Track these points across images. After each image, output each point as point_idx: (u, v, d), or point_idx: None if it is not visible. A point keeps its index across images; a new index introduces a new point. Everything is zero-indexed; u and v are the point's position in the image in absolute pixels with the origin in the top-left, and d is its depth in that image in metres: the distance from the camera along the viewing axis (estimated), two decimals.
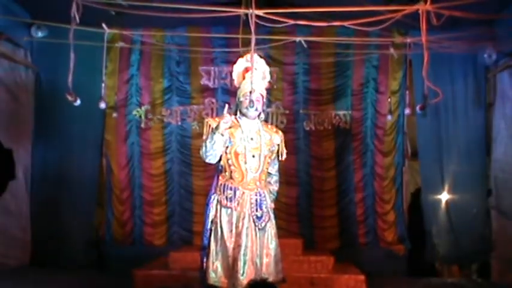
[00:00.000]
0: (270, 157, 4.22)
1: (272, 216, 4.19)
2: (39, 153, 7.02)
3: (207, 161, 4.09)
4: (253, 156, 4.11)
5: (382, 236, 7.07)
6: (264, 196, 4.16)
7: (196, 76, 7.17)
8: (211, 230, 4.09)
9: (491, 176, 6.87)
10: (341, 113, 7.13)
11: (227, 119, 4.01)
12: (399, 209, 7.11)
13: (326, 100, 7.15)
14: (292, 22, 5.16)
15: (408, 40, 6.33)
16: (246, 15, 4.79)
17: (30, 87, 7.05)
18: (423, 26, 4.55)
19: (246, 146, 4.11)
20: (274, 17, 4.91)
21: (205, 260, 4.07)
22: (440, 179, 6.94)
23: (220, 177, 4.17)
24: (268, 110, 6.86)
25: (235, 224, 4.05)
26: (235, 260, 3.97)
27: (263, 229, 4.08)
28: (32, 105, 7.05)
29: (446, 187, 6.94)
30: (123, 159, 7.12)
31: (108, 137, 7.13)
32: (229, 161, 4.11)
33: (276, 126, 4.70)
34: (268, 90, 6.82)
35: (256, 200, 4.10)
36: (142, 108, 7.16)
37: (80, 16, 6.37)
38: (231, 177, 4.12)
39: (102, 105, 6.53)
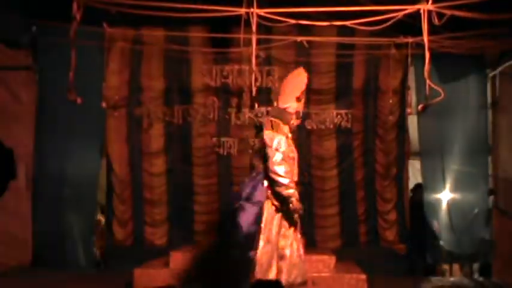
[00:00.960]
0: None
1: None
2: (40, 152, 7.01)
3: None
4: None
5: (383, 235, 7.07)
6: None
7: (198, 75, 7.16)
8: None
9: (492, 176, 6.86)
10: (342, 112, 7.13)
11: None
12: (400, 208, 7.09)
13: (327, 99, 7.14)
14: (293, 22, 5.15)
15: (410, 40, 6.32)
16: (248, 14, 4.79)
17: (31, 87, 7.04)
18: (424, 25, 4.53)
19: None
20: (275, 17, 4.90)
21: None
22: (442, 179, 6.93)
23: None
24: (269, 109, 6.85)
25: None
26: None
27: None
28: (33, 105, 7.04)
29: (447, 186, 6.93)
30: (124, 158, 7.11)
31: (109, 136, 7.11)
32: None
33: None
34: (270, 89, 6.94)
35: None
36: (144, 107, 7.14)
37: (81, 15, 6.41)
38: None
39: (103, 104, 6.57)
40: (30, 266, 6.81)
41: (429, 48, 4.92)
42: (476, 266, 7.11)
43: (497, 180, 6.83)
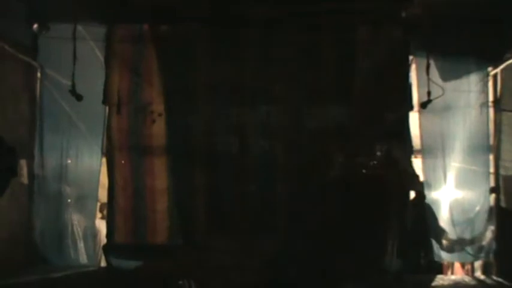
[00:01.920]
0: None
1: None
2: (42, 150, 7.02)
3: None
4: None
5: None
6: None
7: (200, 72, 7.12)
8: None
9: (494, 174, 6.85)
10: None
11: None
12: None
13: None
14: None
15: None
16: None
17: (33, 85, 7.05)
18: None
19: None
20: None
21: None
22: (443, 177, 6.91)
23: None
24: None
25: None
26: None
27: None
28: (35, 103, 7.05)
29: (449, 184, 6.91)
30: (126, 156, 7.08)
31: (111, 134, 7.09)
32: None
33: None
34: None
35: None
36: (145, 104, 7.12)
37: (83, 14, 6.45)
38: None
39: (105, 102, 6.57)
40: (30, 264, 6.80)
41: (431, 46, 4.93)
42: (477, 264, 7.10)
43: (499, 178, 6.81)
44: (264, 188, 6.84)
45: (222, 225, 6.83)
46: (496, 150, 6.89)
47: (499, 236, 6.76)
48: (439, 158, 6.92)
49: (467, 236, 6.83)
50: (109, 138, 6.97)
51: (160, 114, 7.04)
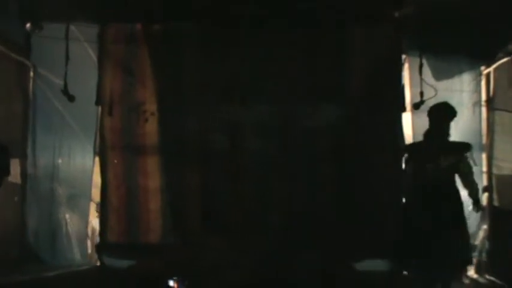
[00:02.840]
0: None
1: None
2: (34, 150, 7.02)
3: None
4: None
5: None
6: None
7: (194, 72, 7.12)
8: None
9: (487, 173, 6.86)
10: None
11: None
12: None
13: None
14: None
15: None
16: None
17: (25, 84, 7.05)
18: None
19: None
20: None
21: None
22: None
23: None
24: None
25: None
26: None
27: None
28: (27, 102, 7.05)
29: None
30: (119, 155, 7.07)
31: (104, 134, 7.08)
32: None
33: None
34: None
35: None
36: (138, 104, 7.12)
37: (76, 13, 6.45)
38: None
39: (98, 102, 6.57)
40: (23, 263, 6.78)
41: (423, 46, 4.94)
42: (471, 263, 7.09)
43: (492, 178, 6.82)
44: (258, 186, 6.85)
45: (215, 224, 6.84)
46: (489, 149, 6.90)
47: (491, 235, 6.77)
48: None
49: None
50: (102, 137, 6.94)
51: (153, 114, 7.01)
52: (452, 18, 6.38)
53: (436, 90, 6.53)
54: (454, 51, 6.68)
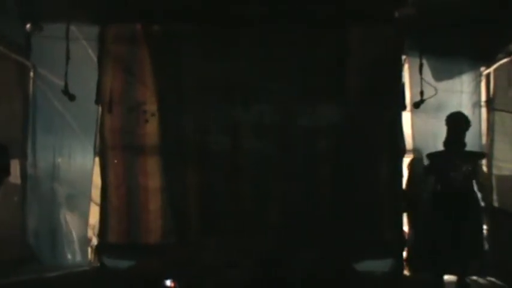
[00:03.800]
0: None
1: None
2: (34, 150, 7.02)
3: None
4: None
5: None
6: None
7: (195, 72, 7.11)
8: None
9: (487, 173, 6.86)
10: None
11: None
12: None
13: None
14: None
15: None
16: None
17: (26, 84, 7.05)
18: None
19: None
20: None
21: None
22: None
23: None
24: None
25: None
26: None
27: None
28: (27, 102, 7.05)
29: None
30: (119, 155, 7.06)
31: (104, 134, 7.08)
32: None
33: None
34: None
35: None
36: (138, 104, 7.11)
37: (76, 13, 6.45)
38: None
39: (98, 101, 6.57)
40: (23, 264, 6.78)
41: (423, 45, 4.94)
42: (474, 265, 7.09)
43: (492, 178, 6.82)
44: (257, 187, 6.85)
45: (215, 224, 6.84)
46: (489, 149, 6.90)
47: (491, 235, 6.76)
48: None
49: None
50: (102, 137, 6.92)
51: (153, 114, 6.99)
52: (452, 19, 6.40)
53: (436, 89, 6.55)
54: (454, 51, 6.68)
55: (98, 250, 6.86)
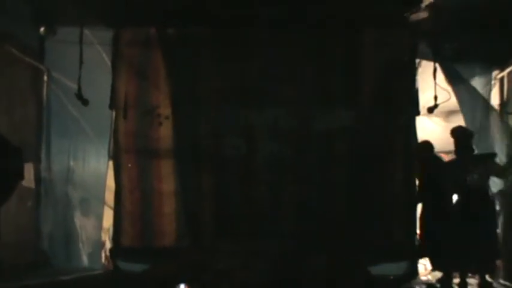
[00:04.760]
0: None
1: None
2: (48, 154, 7.03)
3: None
4: None
5: None
6: None
7: (207, 75, 7.12)
8: None
9: None
10: None
11: None
12: None
13: None
14: None
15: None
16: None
17: (40, 88, 7.06)
18: None
19: None
20: None
21: None
22: None
23: None
24: None
25: None
26: None
27: None
28: (41, 106, 7.07)
29: None
30: (133, 159, 7.07)
31: (118, 137, 7.09)
32: None
33: None
34: None
35: None
36: (152, 108, 7.12)
37: (90, 17, 6.44)
38: None
39: (112, 106, 6.57)
40: (36, 267, 6.79)
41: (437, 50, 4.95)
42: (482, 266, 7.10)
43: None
44: (271, 190, 6.86)
45: (229, 227, 6.85)
46: (502, 153, 6.89)
47: (505, 239, 6.76)
48: None
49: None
50: (116, 141, 6.95)
51: (167, 117, 7.02)
52: (466, 23, 6.41)
53: (450, 94, 6.56)
54: (468, 55, 6.68)
55: (112, 253, 6.88)
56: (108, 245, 7.13)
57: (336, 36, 6.81)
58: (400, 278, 6.51)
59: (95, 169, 7.06)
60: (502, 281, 6.66)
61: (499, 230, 6.55)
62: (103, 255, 7.14)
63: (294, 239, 6.68)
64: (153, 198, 7.06)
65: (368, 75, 6.99)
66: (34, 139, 6.95)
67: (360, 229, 6.80)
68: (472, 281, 6.54)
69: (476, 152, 6.40)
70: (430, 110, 6.64)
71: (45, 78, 7.10)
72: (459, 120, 6.88)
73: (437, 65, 6.62)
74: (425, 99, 6.78)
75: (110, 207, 7.22)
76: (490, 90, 6.95)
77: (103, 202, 7.14)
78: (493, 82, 6.97)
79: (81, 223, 6.96)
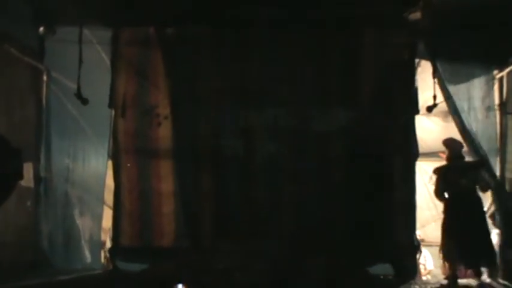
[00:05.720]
0: None
1: None
2: (48, 153, 7.02)
3: None
4: None
5: None
6: None
7: (207, 75, 7.12)
8: None
9: (500, 177, 6.85)
10: None
11: None
12: None
13: None
14: None
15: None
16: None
17: (39, 88, 7.06)
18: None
19: None
20: None
21: None
22: None
23: None
24: None
25: None
26: None
27: None
28: (41, 105, 7.06)
29: None
30: (132, 159, 7.07)
31: (117, 137, 7.09)
32: None
33: None
34: None
35: None
36: (151, 108, 7.12)
37: (89, 17, 6.44)
38: None
39: (111, 105, 6.57)
40: (36, 267, 6.78)
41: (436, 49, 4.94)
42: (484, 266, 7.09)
43: (505, 181, 6.81)
44: (271, 190, 6.85)
45: (228, 227, 6.84)
46: (502, 153, 6.89)
47: (504, 239, 6.75)
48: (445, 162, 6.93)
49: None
50: (115, 141, 6.95)
51: (166, 117, 7.02)
52: (466, 23, 6.41)
53: (449, 93, 6.56)
54: (467, 55, 6.67)
55: (111, 253, 6.87)
56: (107, 244, 7.11)
57: (336, 36, 6.80)
58: (400, 278, 6.50)
59: (94, 169, 7.07)
60: (501, 281, 6.65)
61: (496, 230, 6.55)
62: (102, 255, 7.12)
63: (293, 239, 6.69)
64: (153, 198, 7.04)
65: (367, 75, 6.99)
66: (33, 139, 6.94)
67: (359, 229, 6.80)
68: (472, 282, 6.58)
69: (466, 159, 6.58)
70: (429, 109, 6.63)
71: (45, 78, 7.09)
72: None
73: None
74: (424, 99, 6.77)
75: (109, 206, 7.24)
76: (490, 90, 6.94)
77: (102, 202, 7.14)
78: (492, 82, 6.96)
79: (80, 223, 6.96)
